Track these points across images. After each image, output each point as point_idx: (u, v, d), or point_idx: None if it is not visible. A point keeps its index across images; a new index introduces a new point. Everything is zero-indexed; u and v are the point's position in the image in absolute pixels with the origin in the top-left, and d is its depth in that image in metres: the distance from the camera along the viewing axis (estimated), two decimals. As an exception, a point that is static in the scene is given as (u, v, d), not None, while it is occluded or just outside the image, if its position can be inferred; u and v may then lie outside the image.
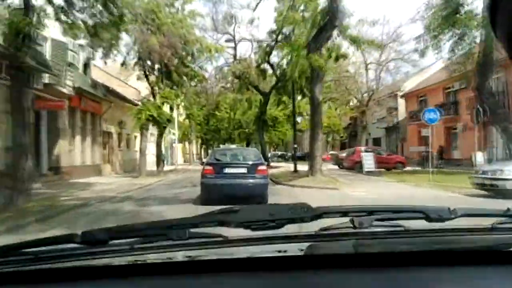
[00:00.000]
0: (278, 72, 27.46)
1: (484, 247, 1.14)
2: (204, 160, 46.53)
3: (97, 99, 22.50)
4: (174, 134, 48.19)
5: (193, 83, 26.68)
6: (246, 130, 42.54)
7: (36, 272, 1.02)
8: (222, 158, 11.19)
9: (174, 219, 1.21)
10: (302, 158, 52.29)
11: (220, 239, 1.13)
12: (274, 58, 28.05)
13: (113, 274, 1.03)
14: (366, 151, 22.52)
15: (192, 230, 1.10)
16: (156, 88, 23.49)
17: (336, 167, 28.94)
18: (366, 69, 33.32)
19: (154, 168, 27.71)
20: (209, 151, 58.22)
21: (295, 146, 21.44)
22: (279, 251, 1.09)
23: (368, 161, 20.56)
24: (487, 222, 1.23)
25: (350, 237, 1.16)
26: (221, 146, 44.35)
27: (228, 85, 41.16)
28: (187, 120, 43.97)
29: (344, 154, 27.89)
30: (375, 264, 1.01)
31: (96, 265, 1.05)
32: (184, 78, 25.03)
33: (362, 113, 34.67)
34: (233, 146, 36.19)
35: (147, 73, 24.64)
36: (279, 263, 1.03)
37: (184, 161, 48.23)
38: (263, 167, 10.44)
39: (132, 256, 1.07)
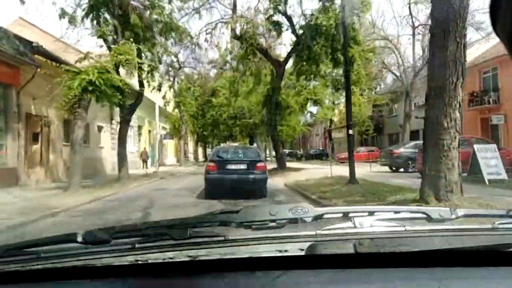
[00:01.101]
0: (299, 25, 17.60)
1: (485, 247, 1.04)
2: (200, 159, 37.61)
3: (8, 60, 12.76)
4: (163, 127, 38.34)
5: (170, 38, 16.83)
6: (251, 120, 32.50)
7: (38, 271, 0.99)
8: (224, 156, 11.01)
9: (175, 219, 1.18)
10: (317, 157, 42.69)
11: (222, 238, 1.08)
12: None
13: (115, 274, 0.99)
14: (469, 143, 12.19)
15: (194, 229, 1.08)
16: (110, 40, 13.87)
17: (383, 168, 19.09)
18: (413, 34, 23.45)
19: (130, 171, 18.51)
20: (208, 150, 51.26)
21: (350, 132, 11.22)
22: (280, 251, 1.03)
23: (491, 161, 10.60)
24: (488, 222, 1.17)
25: (350, 237, 1.08)
26: (222, 144, 37.48)
27: (227, 65, 31.36)
28: (178, 112, 33.91)
29: (406, 150, 17.85)
30: (375, 264, 0.97)
31: (98, 264, 1.01)
32: (155, 31, 15.34)
33: (404, 95, 24.75)
34: (235, 144, 32.28)
35: (101, 25, 15.03)
36: (280, 263, 0.98)
37: (177, 161, 38.36)
38: (262, 164, 10.56)
39: (133, 256, 1.03)
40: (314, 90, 32.33)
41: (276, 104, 19.54)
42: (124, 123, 17.05)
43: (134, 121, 28.38)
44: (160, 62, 19.21)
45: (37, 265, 1.01)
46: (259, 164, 10.31)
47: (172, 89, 32.25)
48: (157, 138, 26.17)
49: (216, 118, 34.87)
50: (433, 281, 0.92)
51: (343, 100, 38.59)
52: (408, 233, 1.13)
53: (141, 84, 17.31)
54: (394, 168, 17.84)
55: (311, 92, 32.04)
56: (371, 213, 1.17)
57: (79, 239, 1.04)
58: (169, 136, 35.45)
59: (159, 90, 25.38)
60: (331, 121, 39.31)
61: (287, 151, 53.04)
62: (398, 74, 25.85)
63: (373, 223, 1.13)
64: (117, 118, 24.25)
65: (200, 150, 54.75)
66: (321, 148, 45.45)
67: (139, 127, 29.79)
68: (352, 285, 0.93)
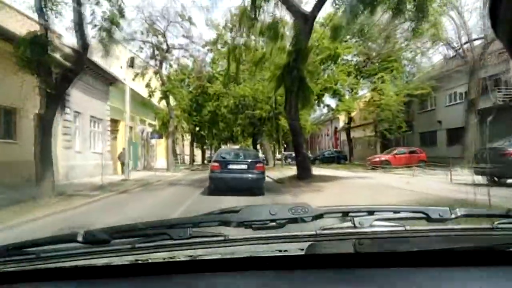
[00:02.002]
0: None
1: (484, 247, 1.02)
2: (196, 163, 31.12)
3: None
4: (150, 124, 31.05)
5: None
6: (255, 112, 25.16)
7: (38, 271, 0.97)
8: (226, 156, 11.57)
9: (175, 219, 1.14)
10: (334, 160, 34.97)
11: (222, 238, 1.04)
12: None
13: (115, 274, 0.96)
14: None
15: (194, 229, 1.04)
16: None
17: (471, 178, 11.81)
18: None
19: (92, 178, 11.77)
20: (208, 152, 45.49)
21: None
22: (280, 251, 1.01)
23: None
24: (487, 222, 1.12)
25: (350, 237, 1.04)
26: (223, 146, 35.60)
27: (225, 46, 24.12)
28: (166, 104, 26.50)
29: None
30: (375, 264, 0.95)
31: (98, 264, 0.98)
32: None
33: (469, 74, 17.43)
34: (236, 146, 31.29)
35: None
36: (280, 263, 0.97)
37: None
38: (261, 164, 11.10)
39: (133, 256, 1.00)
40: (334, 77, 25.12)
41: (300, 80, 12.28)
42: (51, 103, 9.74)
43: (103, 113, 21.06)
44: (122, 14, 11.95)
45: (37, 265, 0.98)
46: (258, 165, 10.88)
47: (158, 75, 25.06)
48: (126, 134, 18.75)
49: (213, 110, 27.53)
50: (433, 281, 0.90)
51: (364, 91, 31.60)
52: (408, 233, 1.08)
53: (83, 39, 10.12)
54: (497, 179, 10.54)
55: (331, 79, 24.82)
56: (371, 213, 1.11)
57: (79, 239, 1.00)
58: (157, 134, 28.12)
59: (131, 66, 18.21)
60: (350, 118, 32.00)
61: (292, 153, 45.53)
62: (452, 50, 18.51)
63: (373, 223, 1.08)
64: (74, 106, 17.08)
65: (199, 152, 47.44)
66: (335, 150, 38.05)
67: (115, 122, 22.49)
68: (352, 285, 0.91)
